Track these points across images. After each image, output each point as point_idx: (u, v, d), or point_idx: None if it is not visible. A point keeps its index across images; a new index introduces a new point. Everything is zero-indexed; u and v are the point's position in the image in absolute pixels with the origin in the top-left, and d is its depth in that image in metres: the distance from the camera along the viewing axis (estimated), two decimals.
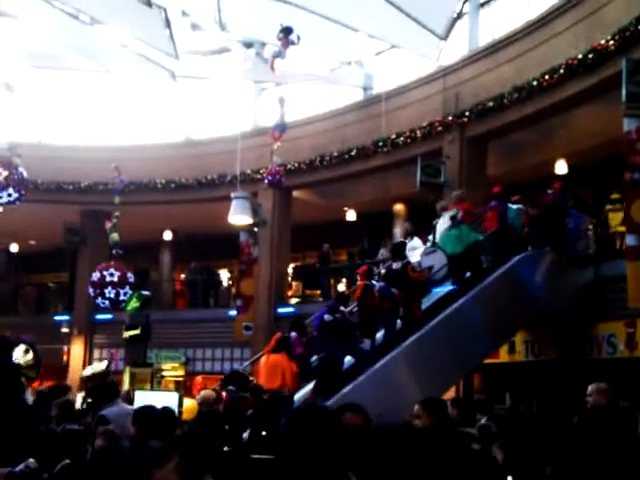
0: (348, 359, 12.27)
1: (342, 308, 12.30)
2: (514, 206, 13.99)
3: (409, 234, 15.27)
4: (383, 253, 15.98)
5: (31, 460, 5.54)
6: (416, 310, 12.31)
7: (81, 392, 12.71)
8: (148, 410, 6.49)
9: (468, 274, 13.14)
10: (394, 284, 12.34)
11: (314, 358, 12.54)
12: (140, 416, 6.21)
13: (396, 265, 12.72)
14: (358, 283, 12.70)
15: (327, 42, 19.73)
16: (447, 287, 13.16)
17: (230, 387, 11.58)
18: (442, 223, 13.77)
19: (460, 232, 13.41)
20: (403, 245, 13.61)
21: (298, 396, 11.85)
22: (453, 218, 13.67)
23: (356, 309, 12.59)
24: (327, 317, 12.10)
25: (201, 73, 22.59)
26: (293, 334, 12.49)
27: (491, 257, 13.50)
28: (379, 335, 12.46)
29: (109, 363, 16.59)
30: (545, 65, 14.47)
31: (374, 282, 12.59)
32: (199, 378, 20.07)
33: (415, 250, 13.81)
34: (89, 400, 10.05)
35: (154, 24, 19.53)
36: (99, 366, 16.84)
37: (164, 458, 3.93)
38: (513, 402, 14.17)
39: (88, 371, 14.97)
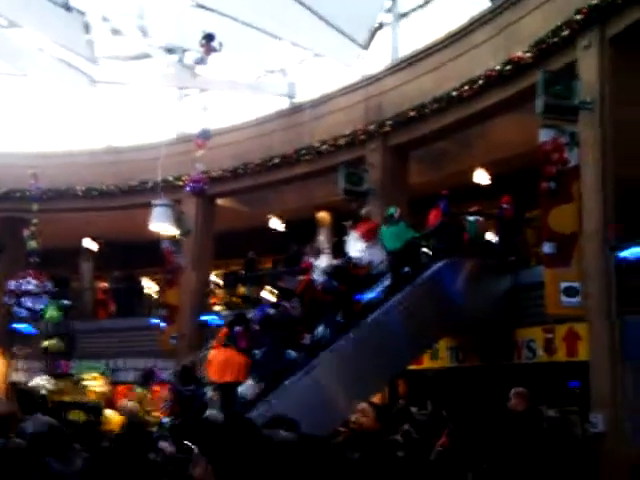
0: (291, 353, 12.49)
1: (284, 302, 12.44)
2: (471, 217, 14.48)
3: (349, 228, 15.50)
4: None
5: None
6: (357, 304, 12.53)
7: None
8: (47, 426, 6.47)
9: (406, 269, 13.47)
10: (336, 279, 12.61)
11: (256, 352, 12.70)
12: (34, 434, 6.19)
13: (337, 261, 12.97)
14: (302, 278, 12.91)
15: (250, 50, 19.74)
16: (371, 294, 13.36)
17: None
18: (351, 240, 14.12)
19: (399, 229, 13.88)
20: (343, 242, 13.86)
21: (241, 389, 12.05)
22: (391, 216, 14.18)
23: (298, 303, 12.76)
24: (270, 311, 12.25)
25: (122, 79, 22.30)
26: (238, 328, 12.58)
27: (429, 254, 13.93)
28: (320, 329, 12.67)
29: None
30: (464, 76, 14.74)
31: (316, 277, 12.84)
32: (122, 388, 19.75)
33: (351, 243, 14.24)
34: None
35: (73, 28, 19.25)
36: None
37: None
38: (434, 408, 14.39)
39: (36, 381, 14.87)
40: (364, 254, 13.70)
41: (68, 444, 6.47)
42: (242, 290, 20.36)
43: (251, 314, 13.80)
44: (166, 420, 12.60)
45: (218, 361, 12.10)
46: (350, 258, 13.30)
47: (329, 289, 12.71)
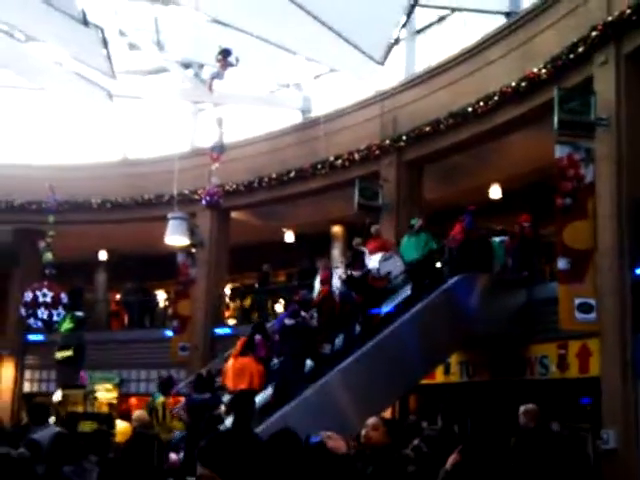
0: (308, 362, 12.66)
1: (303, 313, 12.51)
2: (497, 238, 14.54)
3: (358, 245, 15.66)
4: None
5: None
6: (375, 316, 12.54)
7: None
8: (63, 436, 6.47)
9: (427, 281, 13.63)
10: (354, 291, 12.69)
11: (275, 361, 12.73)
12: (53, 442, 6.19)
13: (356, 273, 13.05)
14: (320, 288, 13.04)
15: (266, 64, 19.82)
16: (388, 307, 13.40)
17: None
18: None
19: (419, 240, 14.20)
20: (362, 253, 13.94)
21: (259, 398, 12.23)
22: (411, 227, 14.52)
23: (316, 314, 12.96)
24: (288, 321, 12.36)
25: (138, 93, 22.44)
26: (257, 337, 12.70)
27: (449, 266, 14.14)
28: (340, 339, 12.83)
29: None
30: (480, 92, 14.77)
31: (335, 288, 12.98)
32: (134, 400, 19.77)
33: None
34: None
35: (91, 43, 19.35)
36: None
37: None
38: (445, 423, 14.33)
39: (59, 396, 15.01)
40: (382, 265, 13.80)
41: (84, 454, 6.47)
42: (247, 302, 20.45)
43: (270, 324, 13.93)
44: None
45: (234, 369, 12.24)
46: (369, 270, 13.37)
47: (347, 300, 12.79)
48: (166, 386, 13.11)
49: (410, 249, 14.17)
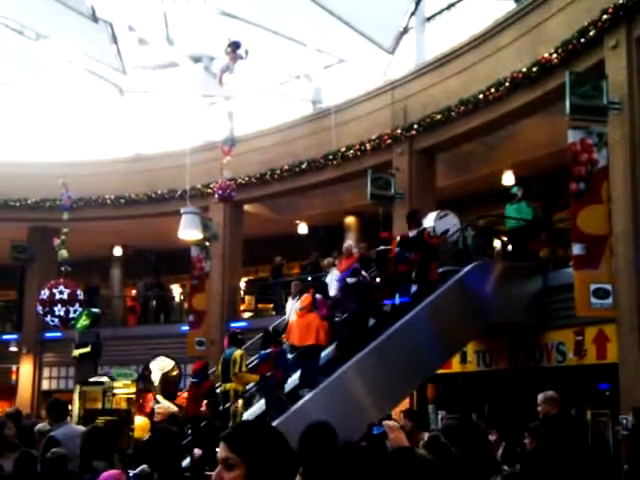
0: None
1: (363, 272, 12.87)
2: None
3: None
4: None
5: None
6: (433, 272, 12.97)
7: None
8: (95, 430, 6.45)
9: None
10: (411, 250, 12.95)
11: (337, 319, 13.25)
12: (85, 436, 6.17)
13: (412, 233, 13.14)
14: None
15: (275, 56, 19.82)
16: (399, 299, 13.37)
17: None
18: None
19: (520, 207, 14.59)
20: (417, 213, 14.00)
21: (325, 353, 12.75)
22: (514, 195, 14.87)
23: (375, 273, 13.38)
24: (350, 280, 12.63)
25: (149, 88, 22.47)
26: (318, 296, 13.04)
27: None
28: (397, 298, 13.11)
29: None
30: (491, 78, 14.66)
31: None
32: (151, 395, 19.82)
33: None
34: None
35: (100, 39, 19.42)
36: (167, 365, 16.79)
37: None
38: (463, 412, 14.30)
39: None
40: (438, 224, 13.96)
41: (112, 450, 6.49)
42: None
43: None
44: None
45: (299, 326, 12.45)
46: (424, 228, 13.44)
47: (401, 260, 12.89)
48: (238, 340, 13.17)
49: (511, 215, 14.68)
